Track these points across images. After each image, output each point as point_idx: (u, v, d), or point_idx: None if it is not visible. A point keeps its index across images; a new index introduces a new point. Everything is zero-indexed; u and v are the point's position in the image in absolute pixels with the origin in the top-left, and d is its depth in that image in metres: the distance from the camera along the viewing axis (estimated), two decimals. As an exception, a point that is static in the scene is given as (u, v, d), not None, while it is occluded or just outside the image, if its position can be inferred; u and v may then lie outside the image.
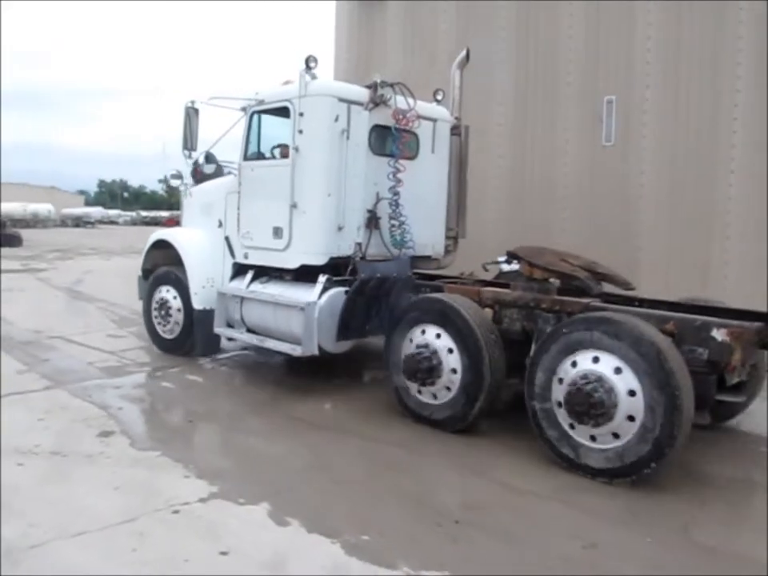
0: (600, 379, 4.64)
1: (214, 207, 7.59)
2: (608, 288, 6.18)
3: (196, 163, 7.00)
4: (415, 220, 7.03)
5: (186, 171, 7.16)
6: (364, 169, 6.65)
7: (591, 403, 4.59)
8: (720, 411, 5.67)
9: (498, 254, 7.56)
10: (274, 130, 6.93)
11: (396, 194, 6.75)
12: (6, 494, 4.17)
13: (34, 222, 57.55)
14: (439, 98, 7.61)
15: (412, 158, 7.19)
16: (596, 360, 4.72)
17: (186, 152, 6.98)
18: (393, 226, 6.88)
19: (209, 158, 7.03)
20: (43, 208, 61.20)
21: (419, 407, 5.81)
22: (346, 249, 6.64)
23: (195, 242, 7.70)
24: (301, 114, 6.45)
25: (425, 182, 7.27)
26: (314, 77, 6.47)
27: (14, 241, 31.73)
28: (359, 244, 6.72)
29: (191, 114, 6.96)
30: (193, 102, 6.95)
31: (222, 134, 7.10)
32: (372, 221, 6.80)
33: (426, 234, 7.33)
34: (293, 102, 6.52)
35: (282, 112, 6.71)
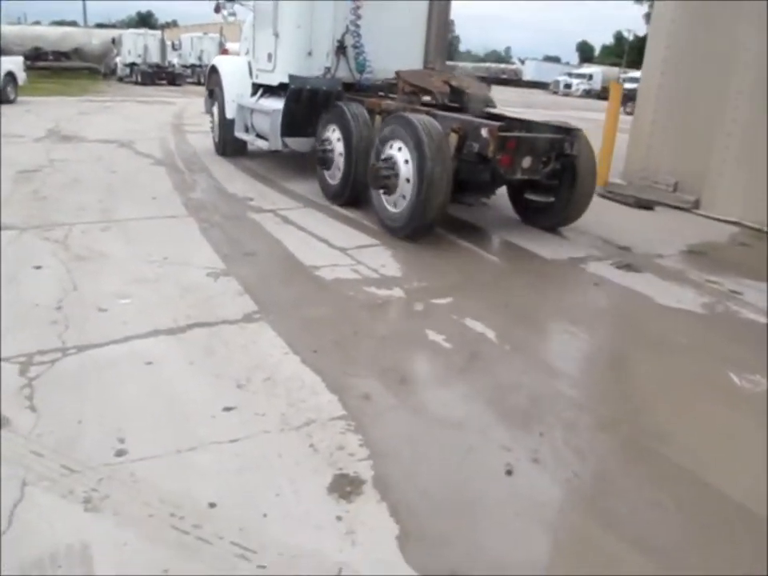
0: (390, 159, 6.26)
1: (246, 39, 9.78)
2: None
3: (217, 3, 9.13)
4: (384, 51, 8.60)
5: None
6: (332, 7, 8.30)
7: (381, 176, 6.26)
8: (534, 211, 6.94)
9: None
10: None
11: (357, 26, 8.36)
12: None
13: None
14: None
15: (385, -2, 8.63)
16: (391, 147, 6.32)
17: (210, -6, 9.14)
18: (356, 54, 8.53)
19: (226, -4, 9.11)
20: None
21: (325, 187, 7.83)
22: (315, 71, 8.46)
23: (230, 66, 10.06)
24: (282, -39, 8.23)
25: (398, 18, 8.70)
26: None
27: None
28: (328, 68, 8.50)
29: None
30: (214, -51, 8.99)
31: (239, -21, 9.13)
32: (340, 49, 8.51)
33: (397, 62, 8.81)
34: (279, -47, 8.29)
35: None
